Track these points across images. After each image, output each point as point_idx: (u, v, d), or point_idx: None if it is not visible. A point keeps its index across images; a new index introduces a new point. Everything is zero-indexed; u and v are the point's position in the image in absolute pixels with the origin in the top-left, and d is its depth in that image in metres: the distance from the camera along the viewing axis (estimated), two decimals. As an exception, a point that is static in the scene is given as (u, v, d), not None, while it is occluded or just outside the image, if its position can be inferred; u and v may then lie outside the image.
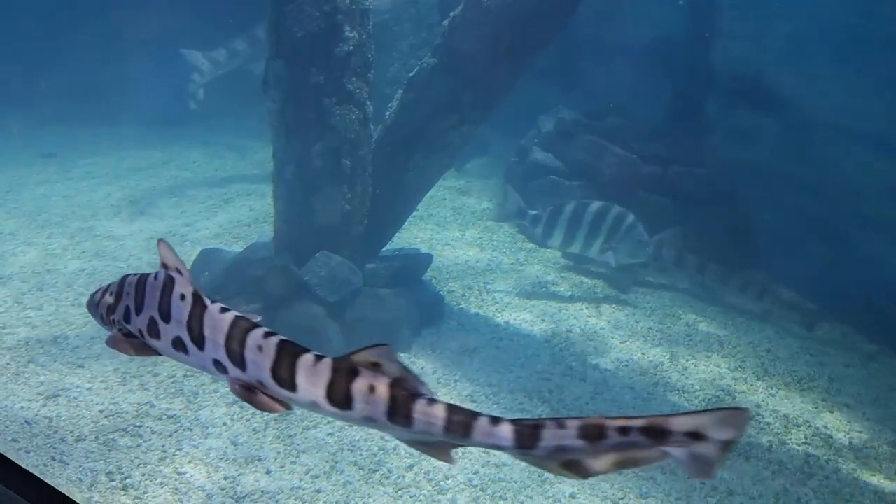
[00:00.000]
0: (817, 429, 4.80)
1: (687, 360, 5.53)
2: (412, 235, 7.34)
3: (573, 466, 1.74)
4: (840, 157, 6.36)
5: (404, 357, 5.16)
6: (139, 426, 4.13)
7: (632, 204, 7.22)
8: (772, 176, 7.13)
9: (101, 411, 4.25)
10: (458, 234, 7.60)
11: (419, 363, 5.09)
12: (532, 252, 7.27)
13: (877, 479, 4.35)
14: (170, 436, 4.06)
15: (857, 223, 6.26)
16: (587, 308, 6.25)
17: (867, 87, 5.96)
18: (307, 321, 4.88)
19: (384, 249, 5.89)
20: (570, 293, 6.51)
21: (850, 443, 4.70)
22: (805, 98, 6.72)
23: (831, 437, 4.73)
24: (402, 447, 4.16)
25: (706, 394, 5.10)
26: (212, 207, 7.87)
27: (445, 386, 4.84)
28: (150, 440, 4.02)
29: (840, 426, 4.85)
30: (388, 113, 5.69)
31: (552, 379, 5.05)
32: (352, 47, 5.11)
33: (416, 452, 4.07)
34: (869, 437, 4.77)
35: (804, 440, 4.68)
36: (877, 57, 5.81)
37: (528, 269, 6.85)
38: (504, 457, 3.96)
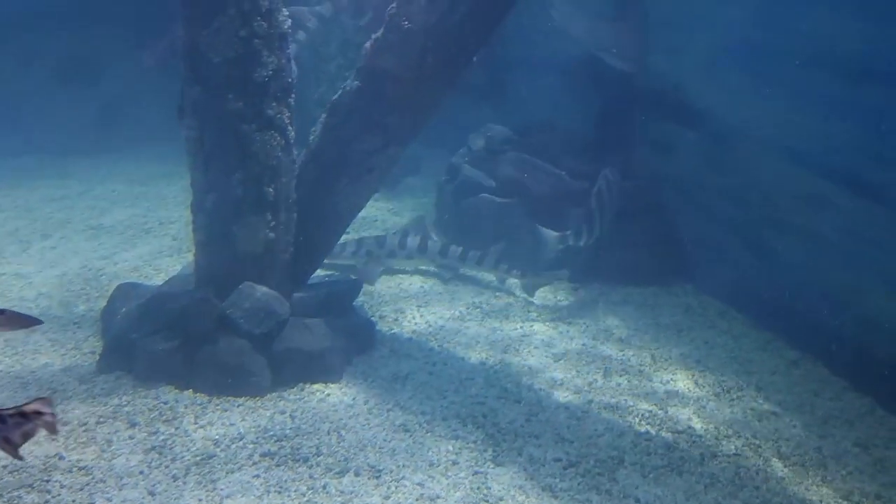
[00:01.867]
0: (747, 439, 4.88)
1: (620, 376, 5.56)
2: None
3: None
4: (757, 167, 6.54)
5: (335, 387, 5.03)
6: (47, 481, 3.87)
7: (562, 220, 7.34)
8: (695, 186, 7.29)
9: (4, 466, 3.97)
10: (391, 256, 7.50)
11: (350, 393, 4.97)
12: (465, 273, 7.23)
13: (805, 487, 4.44)
14: (80, 489, 3.82)
15: (776, 230, 6.43)
16: (521, 327, 6.23)
17: (778, 100, 6.16)
18: (231, 357, 4.70)
19: (313, 277, 5.77)
20: (504, 313, 6.49)
21: (779, 451, 4.78)
22: (722, 110, 6.90)
23: (760, 447, 4.80)
24: (333, 485, 4.03)
25: (640, 409, 5.13)
26: (131, 238, 7.57)
27: (378, 416, 4.73)
28: (59, 495, 3.77)
29: (769, 435, 4.94)
30: (311, 137, 5.58)
31: (486, 402, 4.99)
32: (271, 72, 4.99)
33: (346, 489, 3.95)
34: (796, 444, 4.87)
35: (735, 451, 4.74)
36: (787, 71, 6.01)
37: (462, 291, 6.81)
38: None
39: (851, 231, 5.69)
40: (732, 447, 4.78)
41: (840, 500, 4.35)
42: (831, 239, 5.87)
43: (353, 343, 5.33)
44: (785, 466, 4.63)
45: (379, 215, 8.78)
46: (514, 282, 6.98)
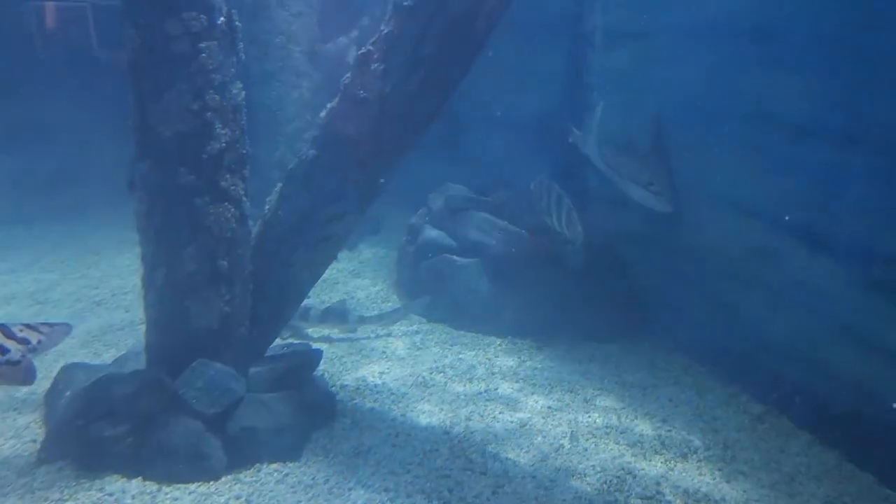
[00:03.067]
0: (716, 502, 4.81)
1: (587, 440, 5.48)
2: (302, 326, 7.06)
3: None
4: (708, 221, 6.65)
5: (294, 466, 4.85)
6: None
7: (524, 278, 7.34)
8: (651, 242, 7.37)
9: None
10: (352, 320, 7.38)
11: (310, 472, 4.79)
12: (428, 334, 7.14)
13: (776, 551, 4.38)
14: None
15: (731, 283, 6.50)
16: (486, 391, 6.13)
17: (724, 157, 6.31)
18: (183, 440, 4.50)
19: (271, 348, 5.62)
20: (468, 376, 6.39)
21: (749, 513, 4.73)
22: (674, 167, 7.03)
23: (730, 510, 4.74)
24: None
25: (607, 475, 5.04)
26: (80, 312, 7.32)
27: (338, 496, 4.55)
28: None
29: (737, 497, 4.89)
30: (267, 207, 5.51)
31: (451, 475, 4.86)
32: (224, 144, 4.93)
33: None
34: (765, 505, 4.82)
35: (705, 515, 4.68)
36: (732, 128, 6.17)
37: (425, 354, 6.71)
38: None
39: (803, 282, 5.77)
40: (702, 511, 4.71)
41: (812, 564, 4.29)
42: (784, 290, 5.94)
43: (313, 417, 5.17)
44: (756, 530, 4.57)
45: (340, 277, 8.69)
46: (486, 344, 6.89)
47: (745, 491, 4.97)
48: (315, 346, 6.05)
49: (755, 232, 6.17)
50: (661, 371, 6.66)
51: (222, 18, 4.86)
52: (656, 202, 6.71)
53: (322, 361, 5.97)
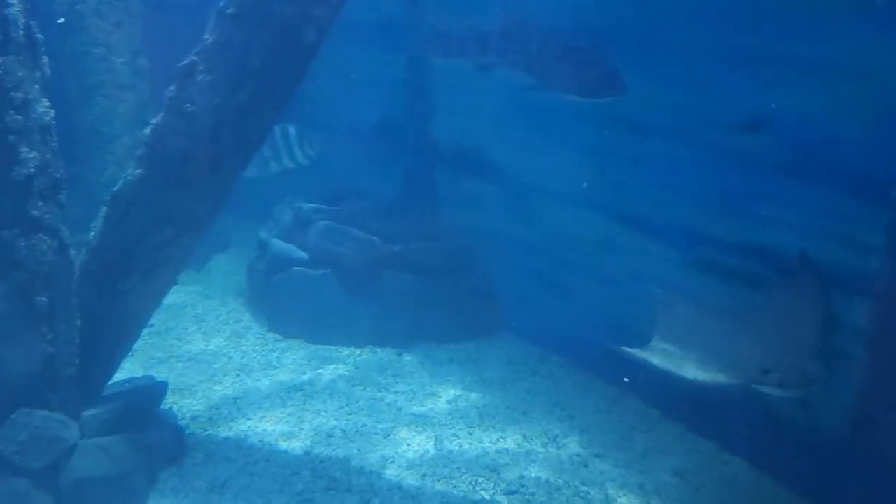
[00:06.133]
0: (577, 488, 4.98)
1: (451, 442, 5.50)
2: (147, 357, 6.60)
3: None
4: (553, 216, 6.91)
5: (142, 512, 4.50)
6: None
7: (380, 285, 7.27)
8: (502, 239, 7.54)
9: None
10: (203, 345, 7.00)
11: (161, 516, 4.47)
12: (284, 352, 6.90)
13: (633, 528, 4.59)
14: None
15: (580, 275, 6.78)
16: (347, 404, 6.00)
17: (562, 152, 6.58)
18: (7, 500, 4.04)
19: (109, 385, 5.19)
20: (328, 390, 6.22)
21: (607, 495, 4.92)
22: (517, 165, 7.24)
23: (590, 494, 4.92)
24: None
25: (473, 476, 5.08)
26: None
27: (194, 538, 4.28)
28: None
29: (595, 479, 5.08)
30: (91, 233, 5.09)
31: (314, 498, 4.70)
32: (33, 168, 4.48)
33: None
34: (621, 484, 5.04)
35: (566, 503, 4.81)
36: (569, 127, 6.43)
37: (281, 374, 6.47)
38: None
39: (642, 269, 6.12)
40: (563, 499, 4.85)
41: (666, 535, 4.53)
42: (625, 278, 6.27)
43: (161, 456, 4.82)
44: (613, 510, 4.77)
45: (188, 300, 8.20)
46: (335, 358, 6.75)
47: (602, 472, 5.18)
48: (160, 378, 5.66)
49: (596, 225, 6.47)
50: (518, 365, 6.81)
51: (20, 31, 4.41)
52: None
53: (169, 393, 5.62)
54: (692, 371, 4.36)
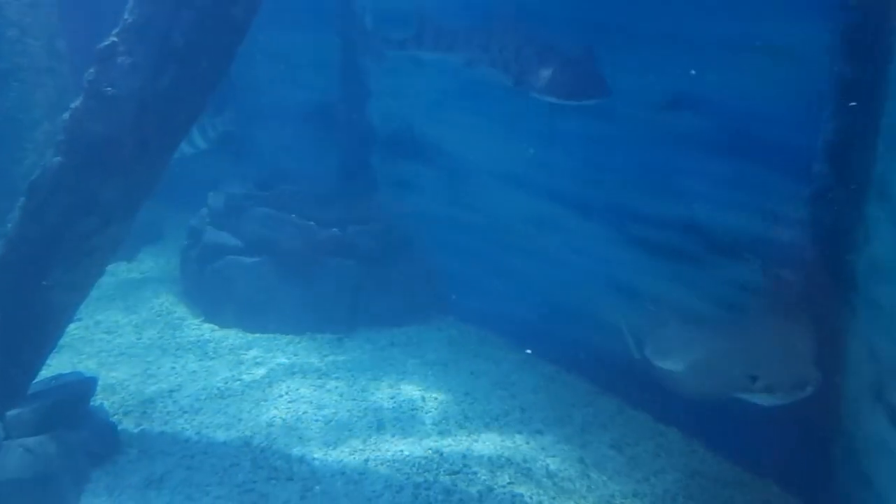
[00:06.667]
0: (518, 465, 5.05)
1: (395, 426, 5.49)
2: (75, 352, 6.36)
3: None
4: (489, 197, 6.93)
5: (74, 512, 4.35)
6: None
7: (317, 271, 7.17)
8: (439, 221, 7.53)
9: None
10: (134, 338, 6.78)
11: (94, 516, 4.33)
12: (220, 342, 6.75)
13: (574, 502, 4.68)
14: None
15: (514, 254, 6.83)
16: (287, 393, 5.92)
17: (496, 133, 6.59)
18: (-74, 508, 3.85)
19: (36, 383, 4.97)
20: (267, 379, 6.13)
21: (548, 470, 5.01)
22: (451, 146, 7.23)
23: (531, 470, 4.99)
24: None
25: (416, 457, 5.09)
26: None
27: (130, 536, 4.16)
28: None
29: (536, 456, 5.16)
30: (9, 225, 4.84)
31: (255, 488, 4.63)
32: (-59, 158, 4.23)
33: None
34: (561, 458, 5.13)
35: (509, 479, 4.88)
36: (501, 106, 6.44)
37: (217, 364, 6.33)
38: None
39: (578, 247, 6.21)
40: (507, 476, 4.91)
41: (605, 506, 4.65)
42: (562, 256, 6.35)
43: (92, 454, 4.66)
44: (554, 484, 4.85)
45: (118, 292, 7.92)
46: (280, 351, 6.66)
47: (543, 448, 5.26)
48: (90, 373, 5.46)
49: (532, 204, 6.53)
50: (459, 346, 6.84)
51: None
52: None
53: (100, 388, 5.43)
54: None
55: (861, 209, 4.26)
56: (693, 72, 4.95)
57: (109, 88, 4.81)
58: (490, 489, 4.74)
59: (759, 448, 4.87)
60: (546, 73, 5.30)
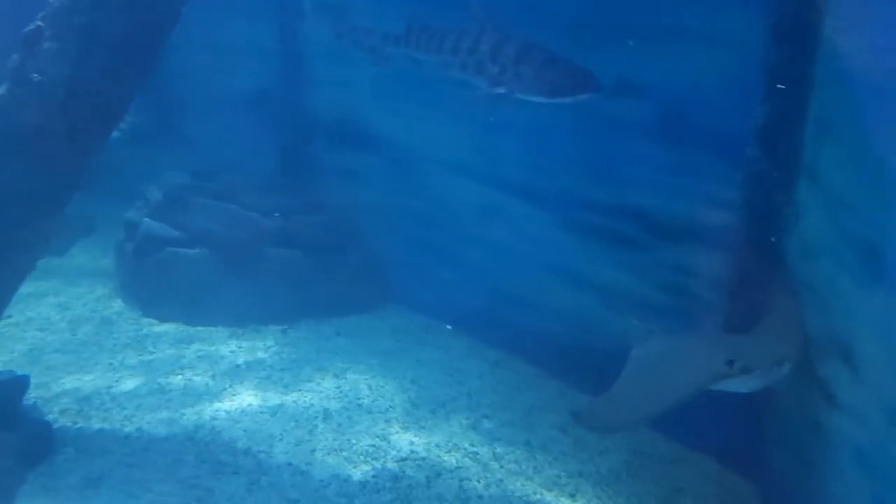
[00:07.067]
0: (466, 450, 5.08)
1: (341, 416, 5.45)
2: (6, 350, 6.11)
3: None
4: (436, 185, 6.93)
5: (7, 515, 4.19)
6: None
7: (261, 262, 7.05)
8: (385, 210, 7.49)
9: None
10: (69, 335, 6.54)
11: (29, 518, 4.18)
12: (160, 336, 6.57)
13: (521, 484, 4.75)
14: None
15: (461, 242, 6.85)
16: (230, 386, 5.81)
17: (443, 121, 6.58)
18: None
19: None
20: (211, 372, 6.00)
21: (495, 453, 5.06)
22: (398, 135, 7.19)
23: (478, 454, 5.04)
24: None
25: (363, 445, 5.07)
26: None
27: (67, 537, 4.03)
28: None
29: (483, 440, 5.21)
30: (-69, 218, 4.62)
31: (200, 483, 4.54)
32: None
33: None
34: (507, 442, 5.20)
35: (456, 464, 4.91)
36: (448, 96, 6.43)
37: (157, 359, 6.16)
38: None
39: (523, 234, 6.26)
40: (454, 461, 4.94)
41: (551, 487, 4.72)
42: (508, 243, 6.40)
43: (26, 455, 4.48)
44: (501, 467, 4.90)
45: (50, 288, 7.62)
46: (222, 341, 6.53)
47: (490, 432, 5.31)
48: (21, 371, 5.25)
49: (478, 191, 6.55)
50: (405, 335, 6.84)
51: None
52: None
53: (34, 387, 5.23)
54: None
55: (792, 192, 4.42)
56: (632, 56, 5.03)
57: (35, 75, 4.64)
58: (438, 474, 4.76)
59: (699, 427, 5.02)
60: (530, 72, 5.00)
